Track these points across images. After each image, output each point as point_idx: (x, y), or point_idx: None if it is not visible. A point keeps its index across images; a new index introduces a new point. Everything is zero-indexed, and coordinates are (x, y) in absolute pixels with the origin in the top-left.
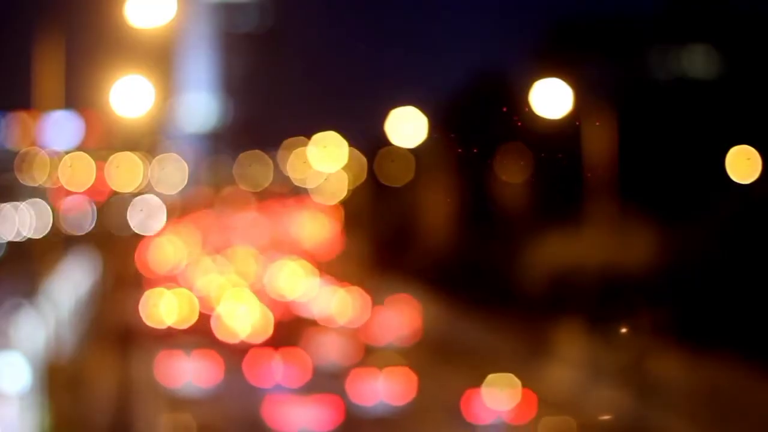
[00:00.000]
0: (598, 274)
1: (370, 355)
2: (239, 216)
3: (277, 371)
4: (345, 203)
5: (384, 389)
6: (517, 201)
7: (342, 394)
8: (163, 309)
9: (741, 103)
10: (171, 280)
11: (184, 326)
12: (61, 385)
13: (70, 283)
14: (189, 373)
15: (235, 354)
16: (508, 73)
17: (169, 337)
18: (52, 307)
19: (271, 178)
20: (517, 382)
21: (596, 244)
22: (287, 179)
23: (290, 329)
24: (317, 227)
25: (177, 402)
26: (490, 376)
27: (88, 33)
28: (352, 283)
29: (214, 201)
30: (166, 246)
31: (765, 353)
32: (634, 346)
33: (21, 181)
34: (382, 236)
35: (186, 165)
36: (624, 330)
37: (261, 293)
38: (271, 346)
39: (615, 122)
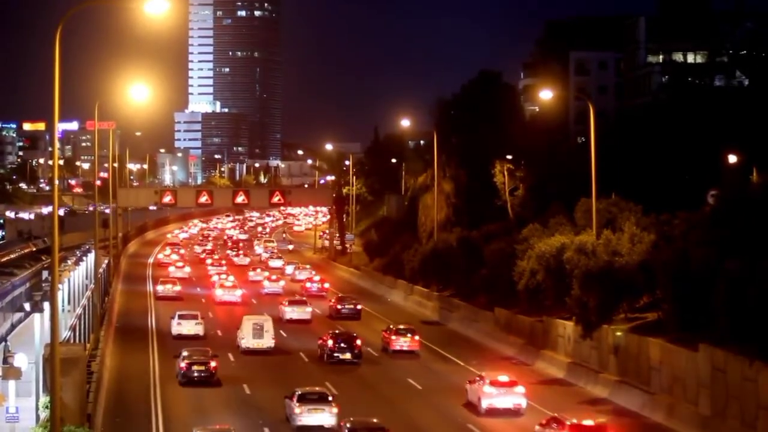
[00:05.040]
0: (596, 268)
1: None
2: (243, 212)
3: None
4: (342, 200)
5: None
6: (515, 195)
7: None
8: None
9: (734, 102)
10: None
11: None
12: (65, 375)
13: (75, 278)
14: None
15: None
16: (506, 73)
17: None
18: (56, 301)
19: (269, 181)
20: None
21: (593, 238)
22: (289, 180)
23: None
24: (310, 221)
25: (163, 277)
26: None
27: (89, 40)
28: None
29: (217, 202)
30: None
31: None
32: (630, 337)
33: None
34: (375, 229)
35: (190, 167)
36: (619, 330)
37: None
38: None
39: (609, 121)
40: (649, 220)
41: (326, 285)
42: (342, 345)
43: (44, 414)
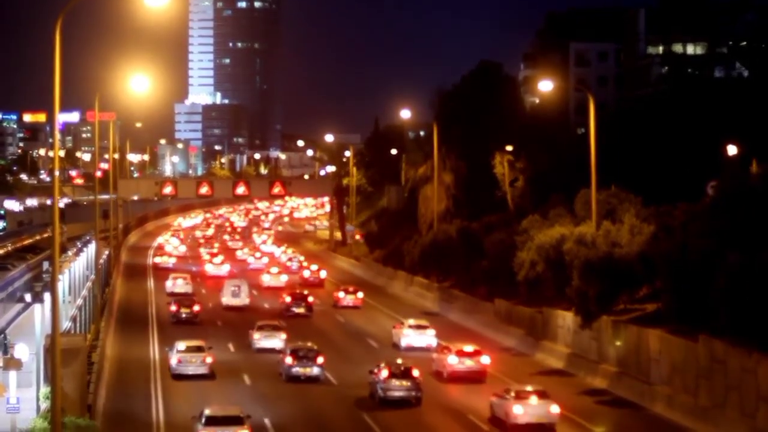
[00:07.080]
0: (596, 258)
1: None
2: (240, 203)
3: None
4: (342, 192)
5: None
6: (515, 186)
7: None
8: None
9: (734, 93)
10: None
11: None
12: (65, 366)
13: (75, 269)
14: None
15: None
16: (506, 65)
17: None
18: (56, 293)
19: (270, 172)
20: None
21: (592, 229)
22: (290, 171)
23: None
24: (307, 210)
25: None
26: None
27: (90, 31)
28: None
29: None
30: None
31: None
32: (629, 329)
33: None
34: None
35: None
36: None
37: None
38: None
39: (609, 112)
40: (648, 211)
41: (305, 263)
42: (297, 301)
43: (45, 405)
